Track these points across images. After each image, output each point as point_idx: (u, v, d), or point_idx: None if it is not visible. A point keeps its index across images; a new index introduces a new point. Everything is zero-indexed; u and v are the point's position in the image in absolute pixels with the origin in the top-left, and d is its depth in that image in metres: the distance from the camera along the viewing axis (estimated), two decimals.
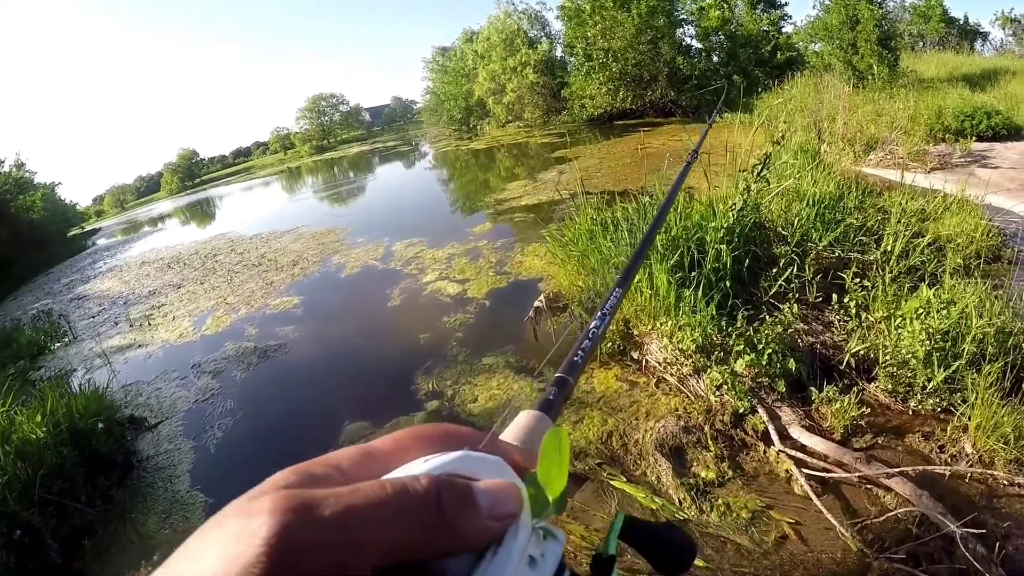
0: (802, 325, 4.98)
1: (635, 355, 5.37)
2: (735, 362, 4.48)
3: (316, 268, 12.03)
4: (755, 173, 5.86)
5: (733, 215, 5.68)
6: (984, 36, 35.00)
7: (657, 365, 5.05)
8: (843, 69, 19.67)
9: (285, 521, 0.32)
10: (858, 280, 5.10)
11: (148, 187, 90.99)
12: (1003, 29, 34.51)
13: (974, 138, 12.23)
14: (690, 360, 4.70)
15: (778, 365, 4.40)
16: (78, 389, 6.86)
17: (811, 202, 6.61)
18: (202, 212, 38.91)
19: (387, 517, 0.35)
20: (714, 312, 4.87)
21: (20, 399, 6.41)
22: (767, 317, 4.86)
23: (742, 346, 4.51)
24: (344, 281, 10.74)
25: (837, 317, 5.12)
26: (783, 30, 27.66)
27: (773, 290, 5.33)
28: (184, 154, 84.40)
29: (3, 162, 38.41)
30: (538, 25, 36.83)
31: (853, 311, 4.95)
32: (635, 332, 5.44)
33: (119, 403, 7.39)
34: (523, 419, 0.60)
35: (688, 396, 4.68)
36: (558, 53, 34.99)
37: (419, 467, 0.42)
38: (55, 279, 22.75)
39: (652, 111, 27.47)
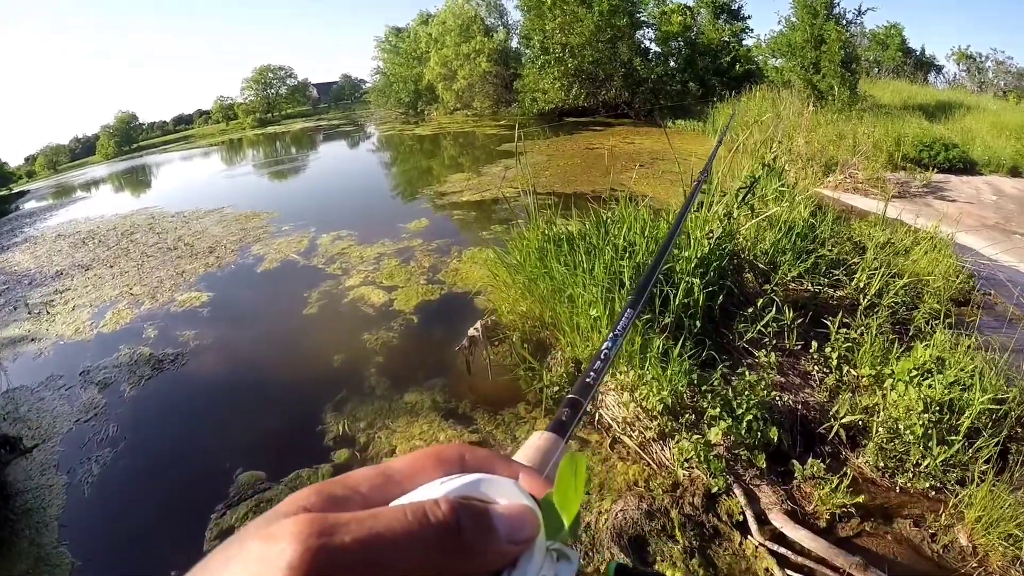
0: (779, 377, 4.30)
1: (588, 407, 4.50)
2: (709, 430, 3.74)
3: (233, 258, 11.01)
4: (738, 198, 5.11)
5: (709, 243, 4.90)
6: (939, 69, 35.48)
7: (614, 423, 4.24)
8: (803, 87, 19.47)
9: (308, 546, 0.32)
10: (843, 330, 4.45)
11: (84, 149, 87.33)
12: (957, 64, 34.92)
13: (934, 170, 12.34)
14: (655, 422, 3.93)
15: (758, 433, 3.69)
16: None
17: (782, 228, 5.96)
18: (134, 180, 37.51)
19: (408, 543, 0.35)
20: (687, 366, 4.09)
21: None
22: (745, 372, 4.12)
23: (718, 410, 3.77)
24: (259, 277, 9.74)
25: (816, 368, 4.47)
26: (744, 42, 27.52)
27: (749, 335, 4.60)
28: (122, 117, 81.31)
29: None
30: (496, 13, 35.89)
31: (834, 362, 4.33)
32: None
33: None
34: (537, 440, 0.59)
35: (650, 465, 3.89)
36: (514, 44, 34.13)
37: (436, 489, 0.42)
38: None
39: (604, 111, 26.92)
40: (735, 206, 5.23)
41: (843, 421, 3.87)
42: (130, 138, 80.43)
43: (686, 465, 3.67)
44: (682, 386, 3.96)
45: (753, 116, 16.57)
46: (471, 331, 5.62)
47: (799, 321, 4.70)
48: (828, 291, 5.53)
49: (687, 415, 3.90)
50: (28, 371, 7.85)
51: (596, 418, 4.38)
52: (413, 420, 4.88)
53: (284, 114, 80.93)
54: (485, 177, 14.49)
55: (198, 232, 13.91)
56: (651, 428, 3.93)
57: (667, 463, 3.82)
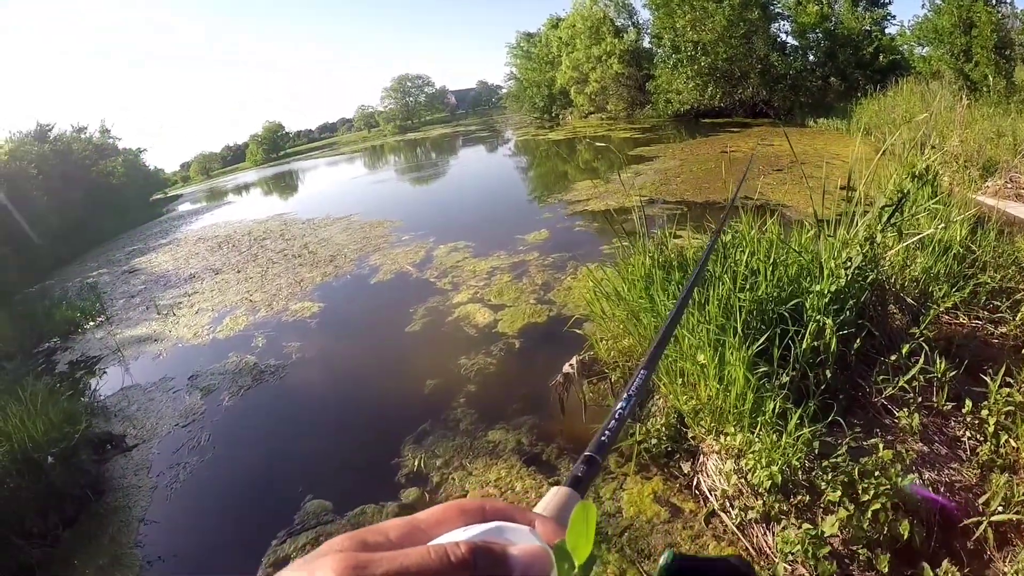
0: (922, 446, 3.50)
1: (686, 467, 3.85)
2: (824, 519, 3.03)
3: (350, 268, 11.01)
4: (882, 219, 4.32)
5: (846, 274, 4.12)
6: None
7: (712, 494, 3.57)
8: (954, 78, 17.40)
9: None
10: (1006, 389, 3.55)
11: (234, 157, 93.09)
12: None
13: None
14: (760, 500, 3.24)
15: (885, 527, 2.95)
16: (51, 405, 6.20)
17: (935, 250, 5.04)
18: (278, 185, 40.04)
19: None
20: (808, 436, 3.32)
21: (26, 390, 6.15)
22: (879, 444, 3.31)
23: (838, 493, 3.04)
24: (371, 289, 9.63)
25: (968, 434, 3.59)
26: (886, 31, 24.99)
27: (890, 390, 3.81)
28: (269, 127, 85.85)
29: (86, 128, 39.04)
30: (625, 13, 34.85)
31: (991, 429, 3.43)
32: (691, 435, 3.95)
33: (111, 411, 7.09)
34: (554, 495, 0.60)
35: (749, 550, 3.20)
36: (645, 44, 33.03)
37: (459, 535, 0.46)
38: (121, 245, 23.34)
39: (742, 110, 25.56)
40: (879, 228, 4.41)
41: (993, 517, 3.03)
42: (277, 145, 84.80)
43: (788, 558, 2.98)
44: (798, 459, 3.24)
45: (901, 112, 15.15)
46: (566, 367, 4.93)
47: (952, 374, 3.84)
48: (988, 327, 4.58)
49: (800, 495, 3.17)
50: (146, 370, 8.28)
51: (694, 483, 3.72)
52: (492, 463, 4.42)
53: (423, 121, 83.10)
54: (614, 184, 13.80)
55: (323, 240, 14.17)
56: (755, 508, 3.25)
57: (768, 550, 3.14)
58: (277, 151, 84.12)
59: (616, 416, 0.75)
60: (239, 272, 12.72)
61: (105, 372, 8.64)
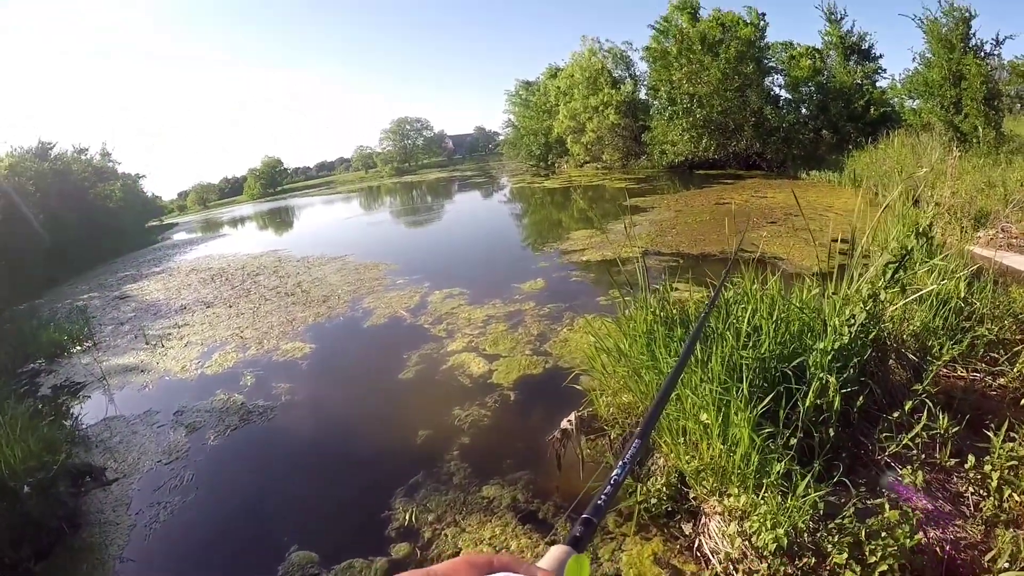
0: (926, 503, 3.43)
1: (687, 528, 3.74)
2: None
3: (344, 310, 10.89)
4: (886, 275, 4.29)
5: (849, 331, 4.07)
6: None
7: (716, 555, 3.45)
8: (944, 129, 17.63)
9: None
10: (1010, 444, 3.50)
11: (232, 189, 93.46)
12: None
13: None
14: (766, 562, 3.14)
15: None
16: (31, 432, 6.10)
17: (933, 304, 5.02)
18: (274, 220, 40.21)
19: None
20: (816, 499, 3.20)
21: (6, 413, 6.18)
22: (885, 505, 3.25)
23: (844, 555, 2.96)
24: (364, 333, 9.48)
25: (972, 489, 3.53)
26: (877, 84, 25.72)
27: (892, 448, 3.75)
28: (268, 161, 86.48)
29: (87, 150, 39.46)
30: (623, 65, 35.73)
31: (994, 483, 3.37)
32: (692, 495, 3.85)
33: (92, 441, 6.96)
34: (555, 552, 0.69)
35: None
36: (642, 95, 33.61)
37: None
38: (115, 270, 23.38)
39: (735, 162, 25.93)
40: (882, 285, 4.39)
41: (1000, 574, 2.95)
42: (275, 180, 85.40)
43: None
44: (803, 521, 3.16)
45: (892, 164, 15.30)
46: (564, 422, 4.75)
47: (955, 430, 3.79)
48: (987, 380, 4.55)
49: (806, 557, 3.08)
50: (130, 401, 8.14)
51: (695, 544, 3.62)
52: (487, 519, 4.26)
53: (420, 164, 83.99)
54: (610, 234, 13.72)
55: (317, 279, 14.10)
56: (760, 571, 3.15)
57: None
58: (275, 186, 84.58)
59: (612, 482, 0.84)
60: (231, 307, 12.61)
61: (88, 399, 8.52)
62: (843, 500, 3.28)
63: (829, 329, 4.11)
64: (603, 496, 0.81)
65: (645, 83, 33.05)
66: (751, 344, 4.09)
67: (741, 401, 3.61)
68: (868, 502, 3.32)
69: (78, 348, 11.30)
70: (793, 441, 3.59)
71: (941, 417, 3.74)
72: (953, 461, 3.63)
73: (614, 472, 0.86)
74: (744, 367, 3.84)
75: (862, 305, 4.19)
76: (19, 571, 4.56)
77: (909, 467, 3.53)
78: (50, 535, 4.98)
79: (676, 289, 5.63)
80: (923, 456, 3.66)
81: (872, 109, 24.61)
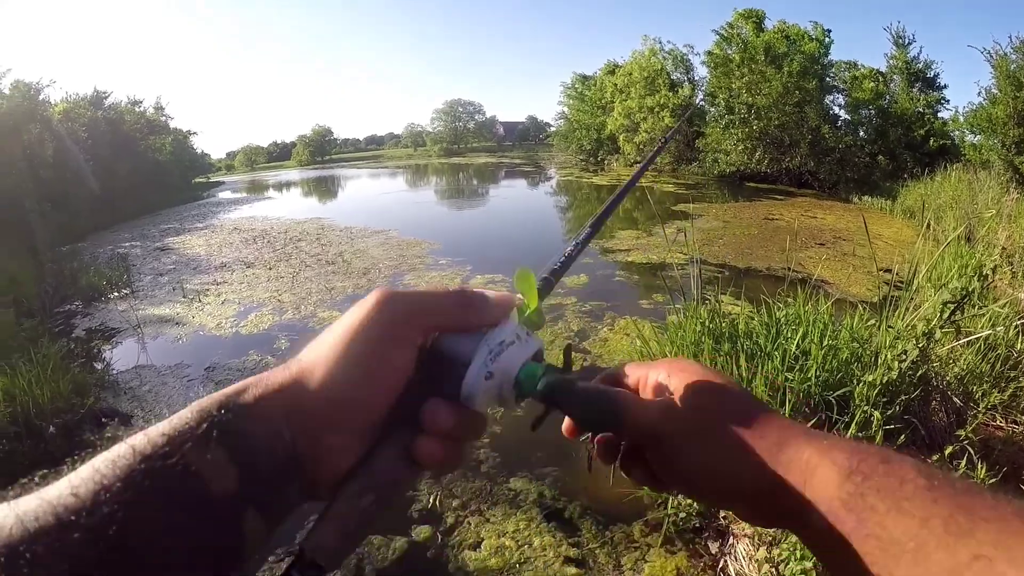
0: None
1: (713, 547, 3.67)
2: None
3: (384, 283, 10.85)
4: (943, 315, 4.17)
5: (899, 367, 3.96)
6: None
7: None
8: (1003, 168, 16.90)
9: (383, 292, 0.55)
10: None
11: (280, 153, 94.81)
12: None
13: None
14: None
15: None
16: (62, 372, 6.11)
17: (981, 349, 4.89)
18: (319, 188, 40.29)
19: (441, 297, 0.58)
20: None
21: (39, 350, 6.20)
22: None
23: None
24: None
25: None
26: (939, 114, 24.82)
27: None
28: (319, 130, 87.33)
29: (141, 102, 39.80)
30: (682, 68, 35.22)
31: None
32: (722, 513, 3.76)
33: (121, 386, 6.96)
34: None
35: None
36: (698, 100, 33.14)
37: None
38: (158, 222, 23.50)
39: (787, 178, 25.41)
40: (937, 324, 4.27)
41: None
42: (323, 150, 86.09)
43: None
44: None
45: (947, 199, 14.91)
46: None
47: (991, 481, 3.70)
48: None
49: None
50: (163, 352, 8.17)
51: (719, 565, 3.54)
52: (511, 512, 4.22)
53: (469, 147, 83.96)
54: (656, 237, 13.64)
55: (359, 251, 14.10)
56: None
57: None
58: (323, 155, 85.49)
59: (565, 255, 0.90)
60: (271, 269, 12.71)
61: (121, 345, 8.62)
62: None
63: (880, 362, 4.01)
64: (558, 263, 0.86)
65: (703, 89, 32.61)
66: (797, 367, 4.02)
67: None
68: None
69: (115, 294, 11.41)
70: None
71: (980, 466, 3.67)
72: None
73: (568, 247, 0.91)
74: (787, 390, 3.78)
75: (915, 342, 4.09)
76: None
77: None
78: None
79: (720, 302, 5.57)
80: None
81: (932, 140, 23.89)
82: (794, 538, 3.12)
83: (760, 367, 3.99)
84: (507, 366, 0.60)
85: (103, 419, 5.95)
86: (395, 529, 4.10)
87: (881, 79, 25.64)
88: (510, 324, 0.62)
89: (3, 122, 20.53)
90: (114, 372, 7.46)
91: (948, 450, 3.75)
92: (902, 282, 5.52)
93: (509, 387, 0.61)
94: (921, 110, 24.59)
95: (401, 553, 3.87)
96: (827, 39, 25.77)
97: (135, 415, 6.22)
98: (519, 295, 0.66)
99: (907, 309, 4.62)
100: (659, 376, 0.68)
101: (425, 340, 0.57)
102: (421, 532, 4.09)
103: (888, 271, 8.12)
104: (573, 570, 3.61)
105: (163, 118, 42.59)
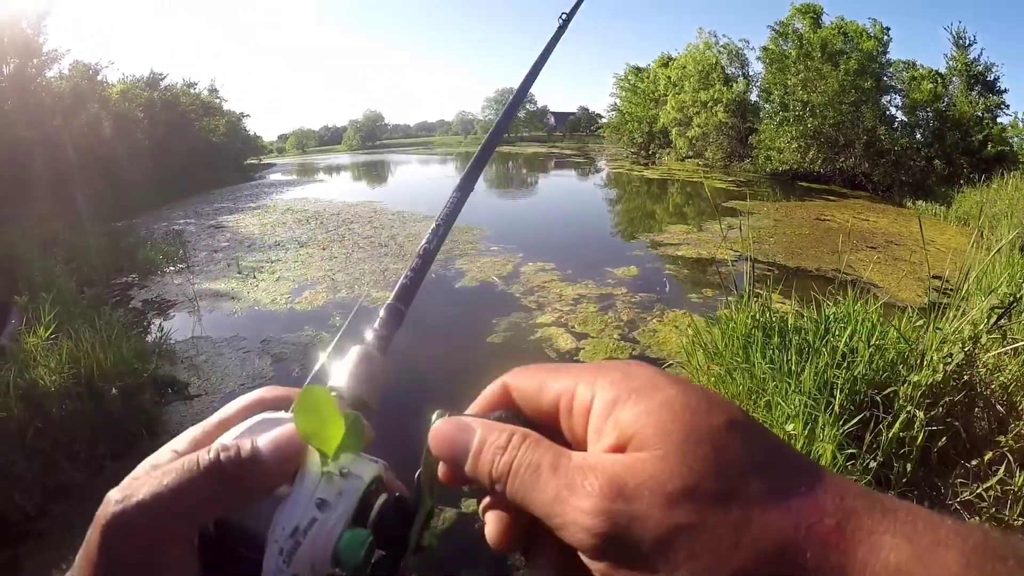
0: None
1: None
2: None
3: (436, 268, 10.69)
4: (989, 320, 4.22)
5: (944, 369, 4.04)
6: None
7: None
8: None
9: (103, 523, 0.40)
10: None
11: (331, 137, 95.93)
12: None
13: None
14: None
15: None
16: (124, 339, 6.29)
17: None
18: (370, 173, 40.85)
19: (188, 487, 0.41)
20: None
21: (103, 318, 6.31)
22: None
23: None
24: (455, 293, 9.70)
25: None
26: (999, 119, 24.03)
27: (965, 496, 3.74)
28: (370, 115, 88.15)
29: (196, 84, 40.75)
30: (737, 63, 34.63)
31: None
32: None
33: (177, 356, 7.18)
34: (354, 356, 0.59)
35: None
36: (753, 96, 32.83)
37: (233, 432, 0.48)
38: (211, 201, 23.95)
39: (840, 179, 24.88)
40: (984, 329, 4.32)
41: None
42: (374, 135, 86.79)
43: None
44: None
45: (1003, 207, 14.63)
46: None
47: None
48: None
49: None
50: (219, 325, 8.45)
51: None
52: None
53: (519, 136, 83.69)
54: (706, 233, 13.67)
55: (411, 235, 14.28)
56: None
57: None
58: (373, 140, 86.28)
59: (420, 253, 0.68)
60: (324, 249, 12.95)
61: (176, 317, 8.90)
62: None
63: (926, 363, 4.10)
64: (409, 274, 0.67)
65: (758, 84, 32.16)
66: (845, 364, 4.12)
67: (830, 417, 3.67)
68: None
69: (171, 269, 11.72)
70: (872, 465, 3.64)
71: (1019, 474, 3.73)
72: (1021, 521, 3.64)
73: (423, 241, 0.70)
74: (835, 386, 3.89)
75: (961, 345, 4.16)
76: (92, 466, 4.81)
77: (977, 518, 3.55)
78: (128, 438, 5.21)
79: (770, 298, 5.66)
80: (992, 510, 3.67)
81: (990, 145, 23.11)
82: None
83: (809, 361, 4.10)
84: (315, 553, 0.43)
85: (161, 386, 6.21)
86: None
87: (940, 80, 24.83)
88: (305, 487, 0.44)
89: (63, 101, 21.14)
90: (171, 342, 7.64)
91: (988, 456, 3.83)
92: (952, 289, 5.54)
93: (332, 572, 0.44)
94: (980, 114, 23.83)
95: (449, 523, 4.07)
96: (886, 37, 25.23)
97: (191, 383, 6.47)
98: (310, 435, 0.46)
99: (955, 315, 4.65)
100: (602, 397, 0.41)
101: (196, 537, 0.43)
102: (469, 507, 4.18)
103: (938, 277, 8.09)
104: None
105: (217, 100, 43.43)
